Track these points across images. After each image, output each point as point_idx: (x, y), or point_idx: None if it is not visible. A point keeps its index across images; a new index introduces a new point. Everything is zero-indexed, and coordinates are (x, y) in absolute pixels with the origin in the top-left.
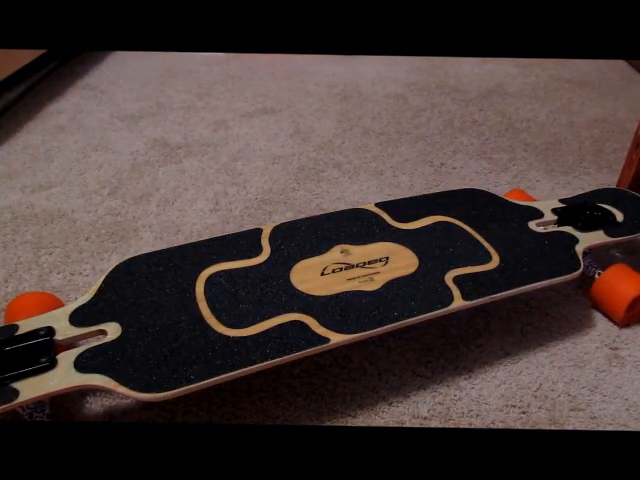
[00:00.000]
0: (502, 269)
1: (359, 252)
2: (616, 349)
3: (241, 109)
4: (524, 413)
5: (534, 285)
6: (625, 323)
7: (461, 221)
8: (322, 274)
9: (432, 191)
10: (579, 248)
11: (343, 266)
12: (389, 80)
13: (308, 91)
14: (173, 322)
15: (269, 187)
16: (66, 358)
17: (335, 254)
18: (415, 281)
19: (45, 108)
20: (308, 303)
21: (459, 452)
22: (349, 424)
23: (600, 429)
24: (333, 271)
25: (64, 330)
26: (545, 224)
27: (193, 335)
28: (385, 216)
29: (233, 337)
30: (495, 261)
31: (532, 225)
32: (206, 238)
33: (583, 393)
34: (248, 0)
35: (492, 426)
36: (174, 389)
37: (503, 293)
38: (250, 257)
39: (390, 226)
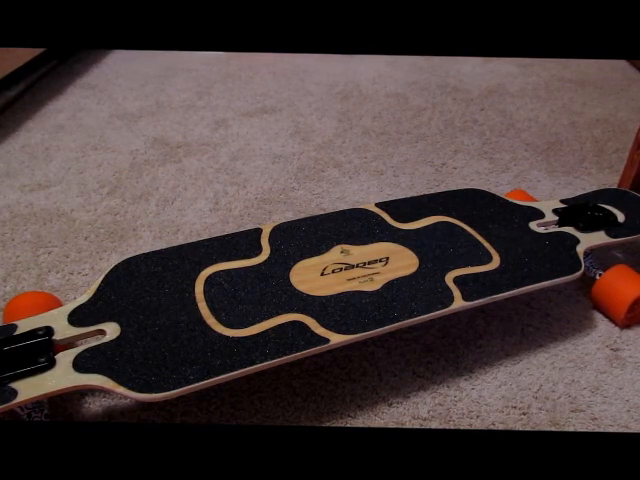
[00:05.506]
0: (503, 269)
1: (359, 252)
2: (617, 350)
3: (241, 108)
4: (524, 414)
5: (535, 286)
6: (626, 324)
7: (462, 221)
8: (322, 274)
9: (433, 191)
10: (580, 249)
11: (343, 266)
12: (389, 79)
13: (308, 90)
14: (172, 322)
15: (269, 187)
16: (65, 358)
17: (335, 254)
18: (415, 281)
19: (44, 107)
20: (308, 303)
21: (459, 453)
22: (349, 425)
23: (601, 430)
24: (333, 271)
25: (63, 330)
26: (546, 224)
27: (192, 335)
28: (385, 216)
29: (232, 337)
30: (496, 261)
31: (533, 225)
32: (206, 238)
33: (584, 394)
34: (248, 0)
35: (492, 427)
36: (173, 389)
37: (504, 294)
38: (250, 257)
39: (390, 226)
